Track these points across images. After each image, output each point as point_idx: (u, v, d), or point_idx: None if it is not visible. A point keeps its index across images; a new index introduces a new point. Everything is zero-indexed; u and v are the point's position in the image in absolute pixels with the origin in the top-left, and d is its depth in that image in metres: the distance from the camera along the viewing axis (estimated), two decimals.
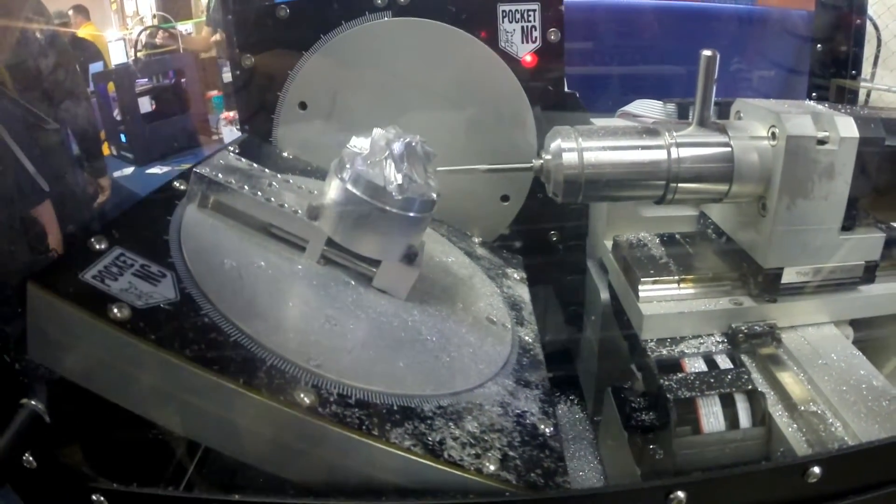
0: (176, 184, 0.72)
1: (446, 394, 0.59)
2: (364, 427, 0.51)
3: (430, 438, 0.53)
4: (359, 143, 0.66)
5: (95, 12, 2.74)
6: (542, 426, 0.60)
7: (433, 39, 0.88)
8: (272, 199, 0.67)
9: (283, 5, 0.89)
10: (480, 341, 0.69)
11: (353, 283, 0.68)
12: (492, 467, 0.52)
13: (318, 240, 0.67)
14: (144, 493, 0.51)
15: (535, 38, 0.89)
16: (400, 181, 0.64)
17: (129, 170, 2.37)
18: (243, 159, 0.75)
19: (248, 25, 0.92)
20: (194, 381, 0.50)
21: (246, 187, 0.67)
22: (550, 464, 0.55)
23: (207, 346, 0.52)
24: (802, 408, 0.63)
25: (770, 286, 0.71)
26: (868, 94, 1.56)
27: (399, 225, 0.66)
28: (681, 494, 0.50)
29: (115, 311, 0.51)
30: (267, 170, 0.74)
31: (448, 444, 0.53)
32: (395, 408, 0.54)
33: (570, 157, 0.68)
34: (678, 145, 0.68)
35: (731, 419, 0.64)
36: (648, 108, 0.91)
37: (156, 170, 2.34)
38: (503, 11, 0.87)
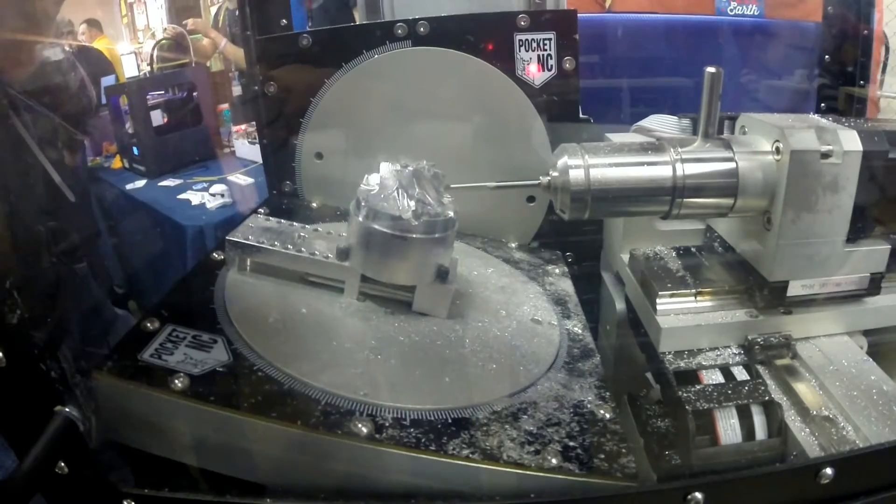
0: (214, 255, 0.77)
1: (498, 398, 0.61)
2: (421, 445, 0.54)
3: (487, 444, 0.54)
4: (372, 180, 0.69)
5: (107, 26, 2.78)
6: (601, 411, 0.61)
7: (452, 68, 0.91)
8: (303, 249, 0.71)
9: (305, 34, 0.93)
10: (527, 343, 0.71)
11: (394, 311, 0.71)
12: (553, 461, 0.53)
13: (353, 278, 0.71)
14: (177, 498, 0.53)
15: (551, 66, 0.91)
16: (414, 207, 0.67)
17: (142, 182, 2.37)
18: (271, 218, 0.78)
19: (270, 51, 0.95)
20: (256, 432, 0.54)
21: (277, 244, 0.71)
22: (613, 447, 0.56)
23: (264, 397, 0.56)
24: (815, 412, 0.65)
25: (776, 299, 0.72)
26: (877, 102, 1.56)
27: (425, 248, 0.68)
28: (698, 495, 0.52)
29: (176, 382, 0.55)
30: (294, 223, 0.77)
31: (506, 445, 0.55)
32: (450, 421, 0.57)
33: (576, 175, 0.68)
34: (683, 161, 0.69)
35: (748, 430, 0.65)
36: (663, 123, 0.92)
37: (168, 182, 2.35)
38: (520, 40, 0.90)
